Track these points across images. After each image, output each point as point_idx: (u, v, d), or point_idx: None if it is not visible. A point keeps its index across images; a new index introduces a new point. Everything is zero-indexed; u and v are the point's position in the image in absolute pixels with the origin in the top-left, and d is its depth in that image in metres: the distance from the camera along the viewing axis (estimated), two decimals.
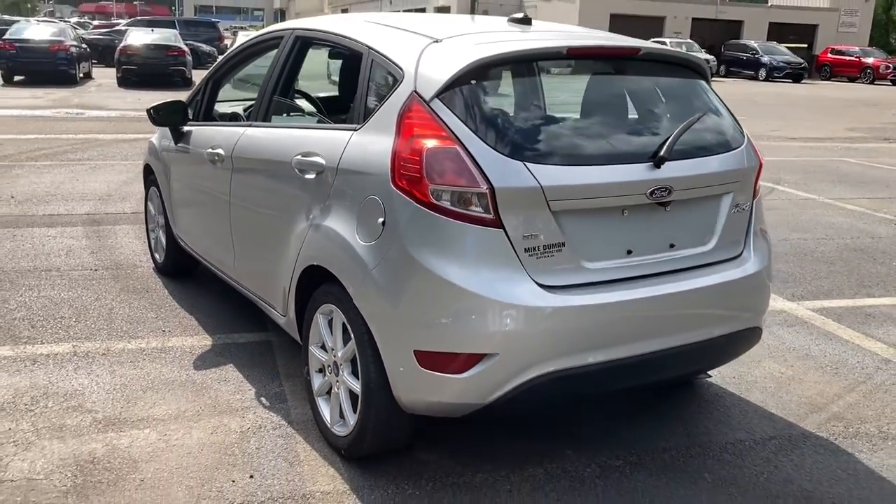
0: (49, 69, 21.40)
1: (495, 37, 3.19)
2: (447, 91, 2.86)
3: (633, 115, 3.25)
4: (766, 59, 38.53)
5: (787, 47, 40.52)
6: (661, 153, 2.94)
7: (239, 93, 5.31)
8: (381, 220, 2.87)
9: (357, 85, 3.30)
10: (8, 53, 21.28)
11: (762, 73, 38.24)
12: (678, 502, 3.04)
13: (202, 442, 3.35)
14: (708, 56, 37.06)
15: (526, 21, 3.43)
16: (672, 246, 3.08)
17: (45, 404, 3.62)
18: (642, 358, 2.98)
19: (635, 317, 2.95)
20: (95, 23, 48.30)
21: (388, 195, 2.85)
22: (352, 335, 3.05)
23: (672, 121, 3.17)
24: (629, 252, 2.98)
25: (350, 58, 3.62)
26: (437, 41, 3.08)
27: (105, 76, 24.33)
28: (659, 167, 2.94)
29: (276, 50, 4.02)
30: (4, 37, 22.15)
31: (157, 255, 5.57)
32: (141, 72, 21.69)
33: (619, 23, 41.91)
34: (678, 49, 3.48)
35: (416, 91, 2.91)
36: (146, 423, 3.50)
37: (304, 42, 3.88)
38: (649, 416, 3.71)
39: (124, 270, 5.61)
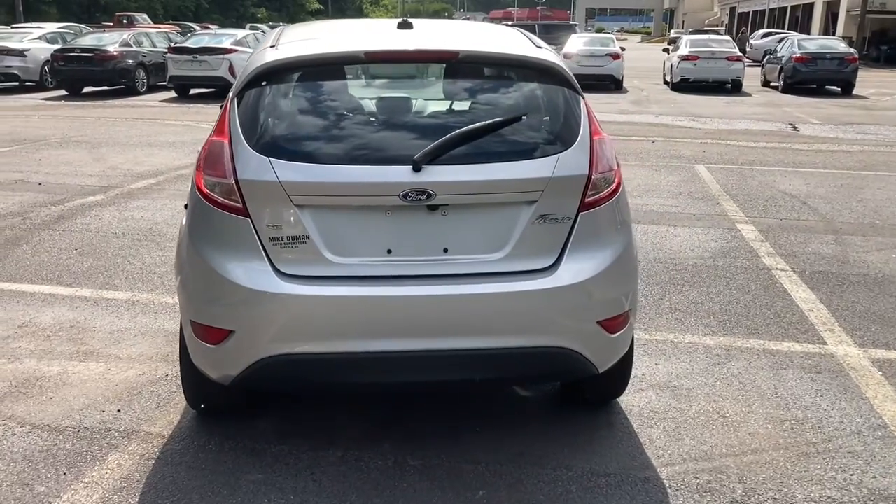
0: None
1: (326, 42, 3.39)
2: (243, 91, 3.18)
3: (423, 117, 3.22)
4: None
5: None
6: (416, 157, 2.92)
7: None
8: (185, 203, 3.30)
9: None
10: None
11: None
12: None
13: (125, 379, 4.06)
14: None
15: (405, 25, 3.53)
16: (446, 251, 3.03)
17: (60, 334, 4.62)
18: (391, 356, 3.00)
19: (384, 314, 2.98)
20: None
21: (193, 182, 3.26)
22: None
23: (465, 124, 3.07)
24: (389, 252, 3.02)
25: None
26: (272, 47, 3.38)
27: None
28: (417, 171, 2.93)
29: None
30: None
31: None
32: None
33: None
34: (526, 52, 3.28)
35: (232, 90, 3.28)
36: (107, 358, 4.31)
37: None
38: (506, 430, 3.58)
39: None
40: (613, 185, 3.19)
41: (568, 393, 3.79)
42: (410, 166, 2.93)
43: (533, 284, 3.03)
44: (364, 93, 3.37)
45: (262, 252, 3.00)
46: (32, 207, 7.77)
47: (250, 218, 3.00)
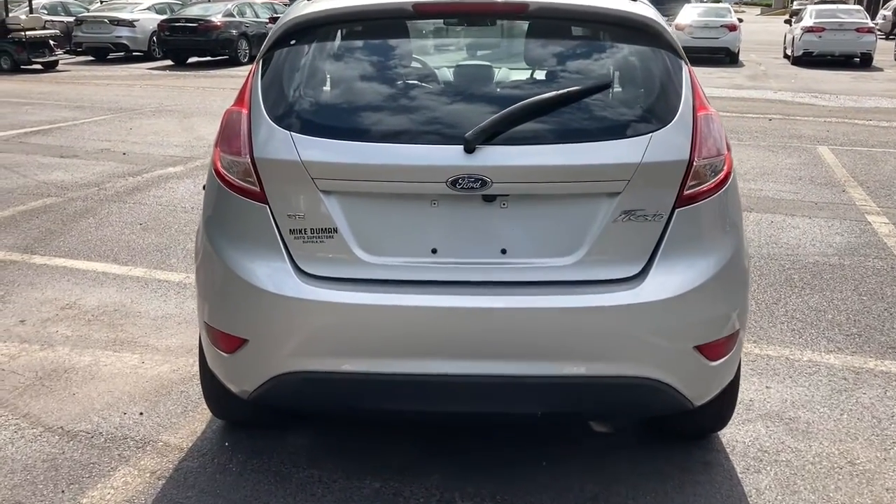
0: None
1: None
2: (269, 51, 2.69)
3: (481, 86, 2.60)
4: None
5: None
6: (469, 134, 2.34)
7: None
8: (204, 185, 2.82)
9: None
10: None
11: None
12: None
13: (157, 375, 3.66)
14: None
15: None
16: (504, 252, 2.44)
17: (102, 318, 4.28)
18: (433, 380, 2.46)
19: (426, 329, 2.43)
20: None
21: (211, 160, 2.78)
22: None
23: (532, 94, 2.44)
24: (434, 251, 2.45)
25: None
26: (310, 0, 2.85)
27: None
28: (470, 152, 2.35)
29: None
30: None
31: None
32: None
33: None
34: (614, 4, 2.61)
35: (260, 51, 2.77)
36: (145, 349, 3.93)
37: None
38: (578, 467, 2.97)
39: None
40: (722, 175, 2.52)
41: (657, 423, 3.15)
42: (462, 146, 2.35)
43: (612, 298, 2.41)
44: (411, 55, 2.78)
45: (282, 246, 2.49)
46: (110, 178, 7.58)
47: (268, 205, 2.49)
